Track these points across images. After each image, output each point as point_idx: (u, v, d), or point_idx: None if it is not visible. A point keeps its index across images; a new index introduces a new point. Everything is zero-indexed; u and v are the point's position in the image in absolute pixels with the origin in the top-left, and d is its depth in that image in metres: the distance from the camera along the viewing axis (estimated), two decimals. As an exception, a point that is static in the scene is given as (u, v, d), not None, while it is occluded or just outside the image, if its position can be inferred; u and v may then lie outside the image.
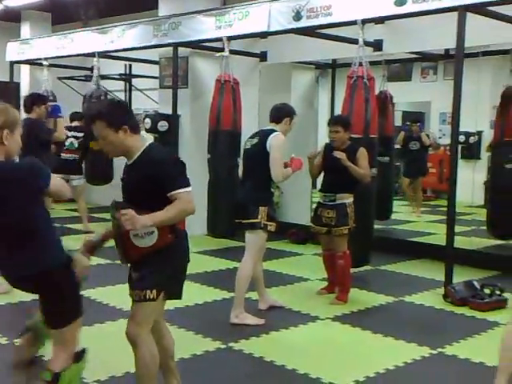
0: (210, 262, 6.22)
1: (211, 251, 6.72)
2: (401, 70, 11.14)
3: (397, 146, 8.69)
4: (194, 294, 4.86)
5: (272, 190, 4.37)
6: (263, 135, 4.26)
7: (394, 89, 8.32)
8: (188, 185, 2.60)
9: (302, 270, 5.83)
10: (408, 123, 9.69)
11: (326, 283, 5.21)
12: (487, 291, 4.90)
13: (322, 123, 9.51)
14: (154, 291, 2.60)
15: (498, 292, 4.89)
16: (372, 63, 6.89)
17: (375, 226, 6.80)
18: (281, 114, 4.34)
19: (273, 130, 4.26)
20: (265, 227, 4.24)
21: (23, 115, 6.09)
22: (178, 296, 2.80)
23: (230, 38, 6.58)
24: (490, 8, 5.16)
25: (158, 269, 2.61)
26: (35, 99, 6.35)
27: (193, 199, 2.56)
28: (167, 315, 3.86)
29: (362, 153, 4.81)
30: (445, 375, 3.59)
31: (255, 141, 4.29)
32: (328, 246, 4.96)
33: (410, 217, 9.09)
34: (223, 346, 3.86)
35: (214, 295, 5.00)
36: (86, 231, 7.05)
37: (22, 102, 6.75)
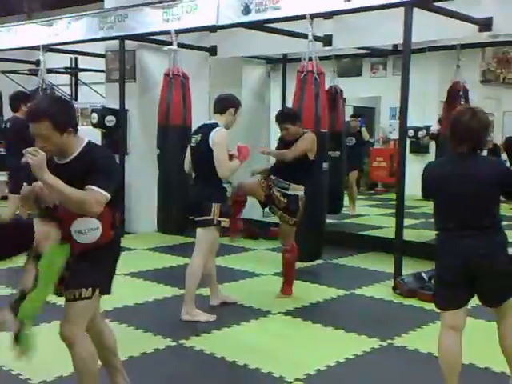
0: (160, 259, 6.12)
1: (161, 248, 6.63)
2: (351, 65, 11.27)
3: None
4: (143, 291, 4.77)
5: (224, 185, 4.32)
6: (206, 131, 4.18)
7: (344, 84, 8.39)
8: (107, 189, 2.45)
9: (254, 265, 5.81)
10: (348, 119, 9.77)
11: (277, 277, 5.20)
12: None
13: (274, 118, 9.52)
14: (90, 289, 2.54)
15: (445, 283, 4.98)
16: (322, 58, 6.90)
17: (327, 220, 6.87)
18: (225, 104, 4.27)
19: (216, 125, 4.20)
20: (218, 224, 4.20)
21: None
22: (108, 291, 2.71)
23: (178, 32, 6.49)
24: (437, 4, 5.24)
25: (95, 266, 2.54)
26: (22, 98, 6.15)
27: (100, 204, 2.42)
28: (116, 313, 3.79)
29: (305, 137, 4.69)
30: (394, 366, 3.64)
31: (199, 138, 4.22)
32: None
33: (360, 210, 9.18)
34: (173, 344, 3.81)
35: (164, 292, 4.92)
36: None
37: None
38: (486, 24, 5.57)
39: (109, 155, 2.63)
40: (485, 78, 10.69)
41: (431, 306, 4.62)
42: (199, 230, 4.24)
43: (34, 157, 2.33)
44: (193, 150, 4.31)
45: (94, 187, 2.41)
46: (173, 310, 4.32)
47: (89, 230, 2.49)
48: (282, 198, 4.67)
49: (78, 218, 2.49)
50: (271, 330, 4.20)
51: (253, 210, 7.99)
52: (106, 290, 2.67)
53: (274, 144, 9.56)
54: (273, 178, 4.72)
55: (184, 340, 3.86)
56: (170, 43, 6.53)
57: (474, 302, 4.73)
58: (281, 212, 4.70)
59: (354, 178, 9.07)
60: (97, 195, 2.41)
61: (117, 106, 7.19)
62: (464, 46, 7.11)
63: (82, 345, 2.56)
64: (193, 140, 4.30)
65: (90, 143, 2.59)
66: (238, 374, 3.46)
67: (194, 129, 4.57)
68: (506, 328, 2.97)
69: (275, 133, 8.59)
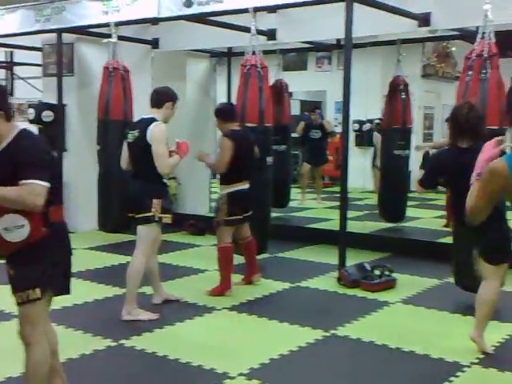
0: (101, 258, 6.00)
1: (102, 247, 6.49)
2: (296, 59, 11.33)
3: (295, 135, 8.80)
4: (83, 291, 4.66)
5: (165, 181, 4.24)
6: (143, 126, 4.10)
7: (290, 78, 8.43)
8: (43, 179, 2.36)
9: (199, 262, 5.75)
10: (307, 113, 9.85)
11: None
12: (377, 272, 5.08)
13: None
14: (37, 290, 2.46)
15: (387, 273, 5.08)
16: (267, 52, 6.91)
17: (274, 214, 6.87)
18: (162, 98, 4.19)
19: (153, 119, 4.12)
20: (159, 220, 4.12)
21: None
22: (67, 291, 2.68)
23: (117, 24, 6.37)
24: (377, -1, 5.31)
25: (34, 265, 2.46)
26: None
27: (42, 195, 2.34)
28: (54, 315, 3.66)
29: (222, 147, 4.68)
30: (336, 356, 3.68)
31: (136, 133, 4.13)
32: (240, 235, 4.93)
33: (308, 204, 9.26)
34: (114, 344, 3.72)
35: (105, 292, 4.81)
36: None
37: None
38: (424, 19, 5.68)
39: (36, 143, 2.50)
40: (425, 73, 10.95)
41: (374, 296, 4.74)
42: (140, 228, 4.16)
43: None
44: (130, 146, 4.21)
45: (29, 181, 2.32)
46: (114, 310, 4.23)
47: (15, 228, 2.39)
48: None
49: (5, 215, 2.39)
50: (215, 326, 4.17)
51: (199, 205, 7.99)
52: (62, 289, 2.63)
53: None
54: None
55: (125, 340, 3.78)
56: (110, 36, 6.40)
57: (415, 290, 4.89)
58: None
59: (320, 171, 9.22)
60: (35, 188, 2.33)
61: (54, 101, 7.01)
62: (405, 41, 7.25)
63: (38, 347, 2.52)
64: (130, 136, 4.20)
65: (22, 131, 2.47)
66: (181, 372, 3.41)
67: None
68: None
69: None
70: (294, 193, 8.69)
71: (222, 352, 3.64)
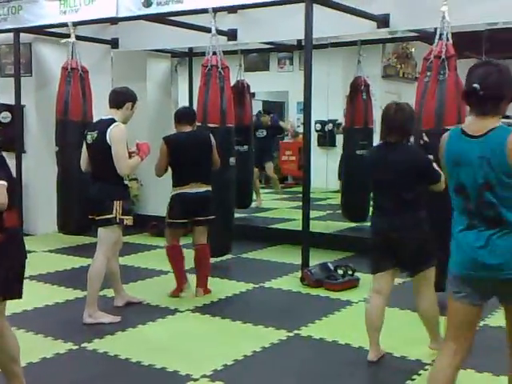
0: (61, 261, 5.87)
1: (63, 249, 6.36)
2: (258, 59, 11.34)
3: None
4: (44, 295, 4.57)
5: (126, 182, 4.19)
6: (102, 127, 4.04)
7: (252, 78, 8.42)
8: (1, 178, 2.36)
9: (161, 264, 5.64)
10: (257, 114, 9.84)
11: (187, 274, 5.12)
12: (340, 272, 5.12)
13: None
14: None
15: (350, 272, 5.12)
16: (229, 52, 6.91)
17: (237, 215, 6.86)
18: (122, 98, 4.14)
19: (112, 120, 4.06)
20: (121, 222, 4.07)
21: None
22: (19, 295, 2.63)
23: (76, 24, 6.28)
24: (336, 0, 5.34)
25: None
26: None
27: (3, 194, 2.32)
28: (14, 319, 3.59)
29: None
30: (299, 356, 3.68)
31: (95, 135, 4.07)
32: (192, 240, 4.88)
33: (271, 204, 9.28)
34: (75, 347, 3.66)
35: (66, 295, 4.72)
36: None
37: None
38: (383, 20, 5.76)
39: None
40: (386, 73, 11.08)
41: (337, 295, 4.78)
42: (101, 230, 4.11)
43: None
44: (89, 148, 4.15)
45: None
46: (75, 313, 4.16)
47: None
48: None
49: None
50: (178, 328, 4.14)
51: (161, 206, 7.90)
52: (15, 293, 2.58)
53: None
54: None
55: (86, 343, 3.72)
56: (69, 36, 6.31)
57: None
58: None
59: (271, 167, 9.23)
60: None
61: (12, 102, 6.87)
62: (365, 42, 7.33)
63: None
64: (89, 137, 4.13)
65: None
66: (143, 375, 3.37)
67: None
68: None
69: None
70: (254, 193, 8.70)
71: (185, 354, 3.62)
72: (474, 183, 2.22)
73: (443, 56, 4.76)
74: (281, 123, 9.36)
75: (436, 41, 4.88)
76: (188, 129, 4.69)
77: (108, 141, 3.97)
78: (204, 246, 4.78)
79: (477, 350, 2.55)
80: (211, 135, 4.76)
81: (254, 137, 8.97)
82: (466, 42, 6.90)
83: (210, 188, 4.67)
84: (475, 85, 2.19)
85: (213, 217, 4.70)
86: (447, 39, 4.83)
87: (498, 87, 2.20)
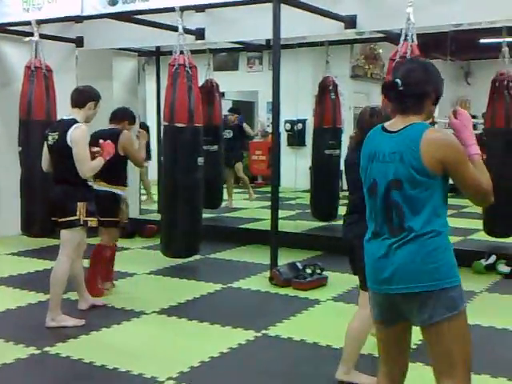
0: (24, 264, 5.75)
1: (26, 252, 6.23)
2: (228, 59, 11.30)
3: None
4: (6, 298, 4.48)
5: (90, 183, 4.11)
6: (63, 128, 3.96)
7: (221, 78, 8.39)
8: None
9: (127, 265, 5.59)
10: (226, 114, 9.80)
11: (152, 276, 5.09)
12: (309, 271, 5.13)
13: (150, 111, 9.31)
14: None
15: (318, 271, 5.13)
16: (197, 52, 6.86)
17: (206, 215, 6.82)
18: (84, 98, 4.06)
19: (74, 121, 3.98)
20: (85, 224, 4.00)
21: None
22: None
23: (39, 22, 6.15)
24: (304, 0, 5.34)
25: None
26: None
27: None
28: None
29: None
30: (267, 356, 3.66)
31: (56, 136, 3.99)
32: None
33: (241, 204, 9.26)
34: (37, 352, 3.58)
35: (28, 299, 4.62)
36: None
37: None
38: (350, 21, 5.78)
39: None
40: (354, 73, 11.16)
41: (305, 294, 4.78)
42: (64, 232, 4.02)
43: None
44: (51, 149, 4.07)
45: None
46: (37, 317, 4.07)
47: None
48: None
49: None
50: (144, 330, 4.08)
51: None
52: None
53: (150, 138, 9.39)
54: None
55: (49, 347, 3.64)
56: (32, 34, 6.18)
57: (345, 288, 4.95)
58: None
59: (240, 168, 9.20)
60: None
61: (-26, 102, 6.69)
62: (333, 43, 7.38)
63: None
64: (50, 138, 4.05)
65: None
66: (107, 379, 3.31)
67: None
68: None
69: (151, 127, 8.49)
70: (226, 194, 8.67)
71: (151, 356, 3.57)
72: (384, 180, 2.09)
73: (408, 56, 4.81)
74: (244, 126, 9.24)
75: (401, 42, 4.94)
76: (112, 126, 4.72)
77: (69, 143, 3.90)
78: (97, 247, 4.75)
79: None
80: (121, 134, 4.57)
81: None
82: (433, 43, 7.00)
83: (108, 188, 4.56)
84: (397, 80, 2.09)
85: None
86: (412, 40, 4.89)
87: (420, 84, 2.10)
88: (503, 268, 5.40)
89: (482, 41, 9.10)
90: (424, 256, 2.03)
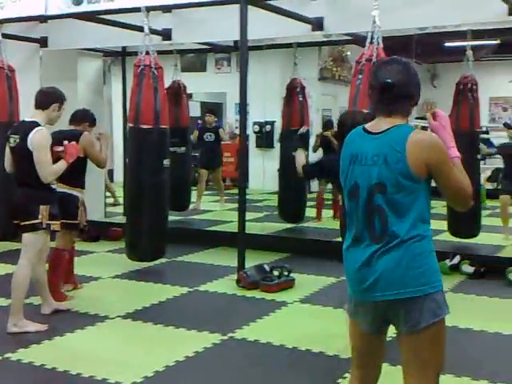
0: (-16, 268, 5.60)
1: (-15, 256, 6.07)
2: (195, 60, 11.25)
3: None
4: (-36, 305, 4.33)
5: (53, 186, 4.02)
6: (24, 132, 3.87)
7: (189, 79, 8.34)
8: None
9: (91, 269, 5.50)
10: (200, 121, 9.75)
11: (118, 280, 5.01)
12: (276, 273, 5.11)
13: (117, 112, 9.21)
14: None
15: (286, 273, 5.12)
16: (164, 52, 6.80)
17: (174, 217, 6.76)
18: (48, 99, 3.97)
19: (35, 124, 3.89)
20: (48, 227, 3.92)
21: None
22: None
23: (1, 21, 6.05)
24: (270, 2, 5.34)
25: None
26: None
27: None
28: None
29: None
30: (232, 359, 3.64)
31: (18, 139, 3.90)
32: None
33: (209, 206, 9.20)
34: (-2, 359, 3.49)
35: (-12, 304, 4.50)
36: None
37: None
38: (318, 23, 5.79)
39: None
40: (322, 76, 11.24)
41: (272, 297, 4.77)
42: (25, 235, 3.93)
43: None
44: (12, 151, 3.99)
45: None
46: (-2, 323, 3.96)
47: None
48: None
49: None
50: (108, 335, 4.01)
51: (93, 210, 7.69)
52: None
53: (117, 139, 9.28)
54: None
55: (10, 353, 3.55)
56: (-6, 34, 6.06)
57: (312, 289, 4.95)
58: None
59: (219, 173, 9.09)
60: None
61: None
62: (302, 45, 7.39)
63: None
64: (11, 140, 3.96)
65: None
66: (70, 385, 3.24)
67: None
68: None
69: (117, 128, 8.39)
70: (195, 195, 8.60)
71: (115, 361, 3.51)
72: (367, 183, 2.03)
73: (374, 59, 4.85)
74: (220, 132, 9.14)
75: (367, 44, 4.97)
76: (72, 128, 4.69)
77: (29, 146, 3.82)
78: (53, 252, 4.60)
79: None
80: (82, 135, 4.51)
81: (202, 140, 8.91)
82: (399, 45, 7.07)
83: (67, 190, 4.48)
84: (389, 80, 2.04)
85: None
86: (378, 43, 4.93)
87: (408, 86, 2.09)
88: (467, 268, 5.49)
89: (447, 44, 9.28)
90: (409, 260, 2.00)
